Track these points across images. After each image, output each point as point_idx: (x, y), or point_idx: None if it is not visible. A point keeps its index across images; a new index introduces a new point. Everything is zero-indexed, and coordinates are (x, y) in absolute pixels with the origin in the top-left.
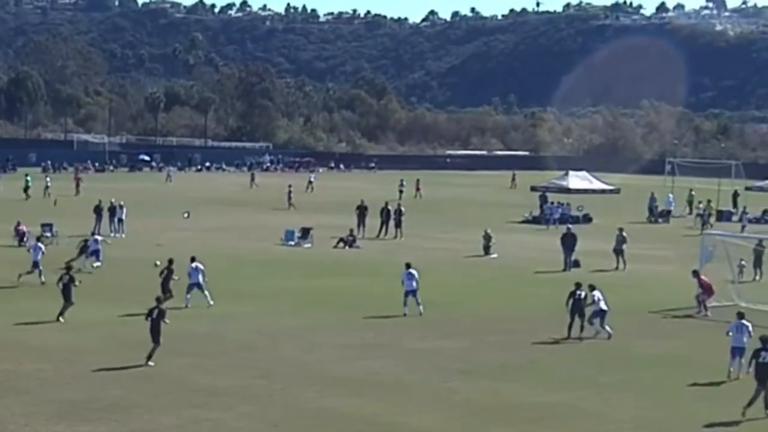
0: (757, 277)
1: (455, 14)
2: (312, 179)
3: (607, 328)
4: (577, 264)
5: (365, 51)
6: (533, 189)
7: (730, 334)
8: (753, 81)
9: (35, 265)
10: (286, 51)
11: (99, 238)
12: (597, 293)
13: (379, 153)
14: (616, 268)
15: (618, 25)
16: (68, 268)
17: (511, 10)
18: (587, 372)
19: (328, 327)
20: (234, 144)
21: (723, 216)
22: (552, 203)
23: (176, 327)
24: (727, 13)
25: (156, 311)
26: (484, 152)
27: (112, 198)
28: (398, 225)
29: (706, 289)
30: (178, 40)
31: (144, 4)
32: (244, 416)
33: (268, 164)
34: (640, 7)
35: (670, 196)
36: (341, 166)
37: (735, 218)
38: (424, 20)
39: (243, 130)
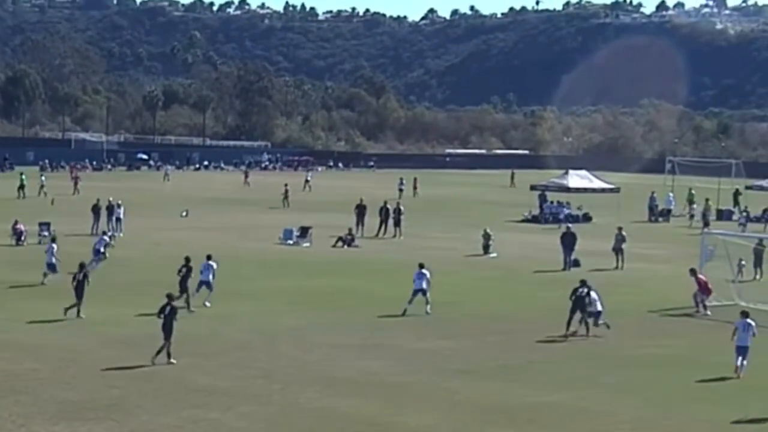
0: (758, 277)
1: (455, 12)
2: (309, 178)
3: (606, 321)
4: (576, 263)
5: (364, 49)
6: (533, 188)
7: (736, 332)
8: (753, 80)
9: (50, 266)
10: (285, 49)
11: (106, 238)
12: (593, 294)
13: (378, 152)
14: (616, 268)
15: (618, 24)
16: (82, 266)
17: (511, 9)
18: (587, 372)
19: (327, 327)
20: (232, 143)
21: (723, 215)
22: (551, 202)
23: (175, 327)
24: (727, 12)
25: (168, 308)
26: (483, 151)
27: (110, 197)
28: (397, 224)
29: (704, 288)
30: (177, 38)
31: (142, 3)
32: (244, 416)
33: (267, 163)
34: (640, 5)
35: (671, 195)
36: (340, 164)
37: (735, 217)
38: (423, 18)
39: (241, 129)
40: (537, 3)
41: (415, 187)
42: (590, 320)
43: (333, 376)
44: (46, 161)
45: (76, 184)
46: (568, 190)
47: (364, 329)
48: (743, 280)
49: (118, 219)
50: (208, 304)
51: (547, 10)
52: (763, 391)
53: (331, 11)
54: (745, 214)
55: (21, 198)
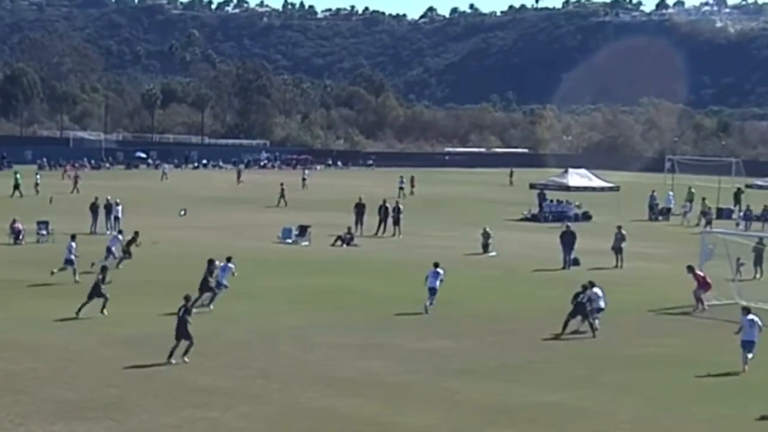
0: (758, 276)
1: (454, 11)
2: (306, 176)
3: (596, 323)
4: (576, 262)
5: (363, 48)
6: (532, 186)
7: (742, 328)
8: (753, 78)
9: (68, 262)
10: (284, 48)
11: (120, 237)
12: (597, 290)
13: (377, 150)
14: (616, 266)
15: (618, 22)
16: (104, 268)
17: (510, 7)
18: (586, 372)
19: (326, 326)
20: (231, 141)
21: (723, 214)
22: (551, 201)
23: (171, 326)
24: (727, 10)
25: (182, 309)
26: (482, 150)
27: (108, 195)
28: (396, 223)
29: (702, 284)
30: (175, 36)
31: (140, 1)
32: (243, 416)
33: (265, 161)
34: (639, 3)
35: (670, 193)
36: (339, 163)
37: (734, 216)
38: (422, 17)
39: (240, 128)
40: (536, 1)
41: (412, 186)
42: (597, 316)
43: (333, 375)
44: (44, 160)
45: (75, 182)
46: (567, 188)
47: (364, 329)
48: (742, 279)
49: (116, 218)
50: (211, 307)
51: (546, 9)
52: (763, 390)
53: (330, 9)
54: (747, 213)
55: (17, 197)
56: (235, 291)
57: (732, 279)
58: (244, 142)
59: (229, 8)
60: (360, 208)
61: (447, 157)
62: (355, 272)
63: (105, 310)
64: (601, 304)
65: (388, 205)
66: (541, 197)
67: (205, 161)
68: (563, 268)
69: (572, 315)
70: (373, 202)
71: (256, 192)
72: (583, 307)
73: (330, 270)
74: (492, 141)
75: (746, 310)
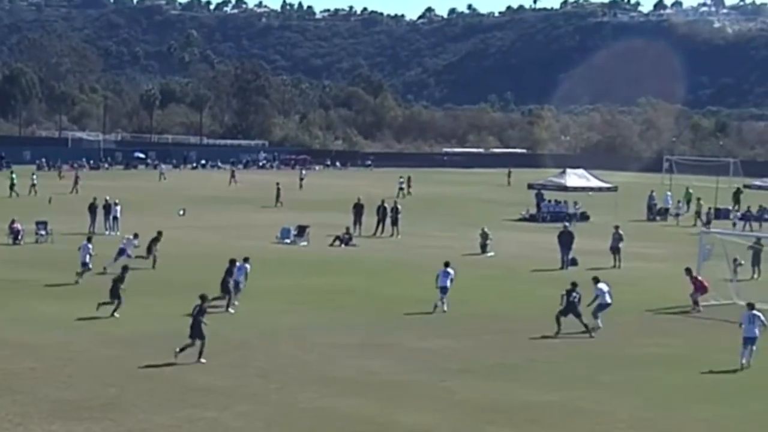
0: (756, 276)
1: (452, 11)
2: (303, 177)
3: (599, 322)
4: (574, 262)
5: (362, 48)
6: (530, 187)
7: (743, 325)
8: (751, 79)
9: (84, 265)
10: (282, 48)
11: (131, 237)
12: (603, 285)
13: (376, 151)
14: (614, 267)
15: (615, 23)
16: (125, 268)
17: (509, 7)
18: (585, 371)
19: (325, 326)
20: (229, 142)
21: (720, 214)
22: (549, 201)
23: (171, 326)
24: (725, 11)
25: (197, 308)
26: (480, 150)
27: (106, 196)
28: (395, 223)
29: (699, 288)
30: (174, 37)
31: (139, 1)
32: (241, 416)
33: (264, 162)
34: (637, 4)
35: (668, 194)
36: (337, 163)
37: (731, 216)
38: (420, 17)
39: (239, 128)
40: (535, 2)
41: (409, 186)
42: (599, 313)
43: (332, 375)
44: (43, 160)
45: (75, 183)
46: (565, 188)
47: (363, 329)
48: (740, 279)
49: (114, 218)
50: (235, 303)
51: (544, 9)
52: (761, 390)
53: (328, 10)
54: (746, 213)
55: (13, 197)
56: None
57: (730, 279)
58: (243, 142)
59: (228, 9)
60: (358, 209)
61: (445, 158)
62: (354, 272)
63: (116, 313)
64: (608, 299)
65: (386, 205)
66: (539, 197)
67: (203, 161)
68: (561, 268)
69: (563, 313)
70: (371, 203)
71: (253, 192)
72: (574, 305)
73: (329, 270)
74: (490, 141)
75: (750, 306)
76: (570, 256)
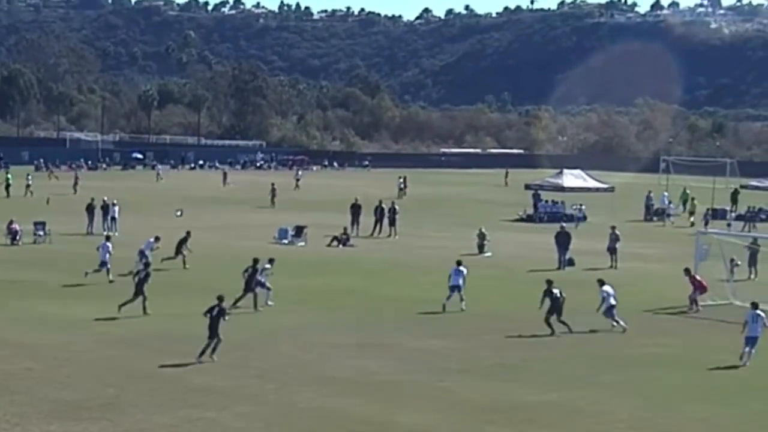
0: (752, 276)
1: (449, 12)
2: (299, 177)
3: (621, 322)
4: (571, 262)
5: (359, 49)
6: (527, 187)
7: (746, 323)
8: (748, 79)
9: (103, 264)
10: (280, 49)
11: (152, 240)
12: (607, 288)
13: (373, 151)
14: (611, 267)
15: (612, 23)
16: (146, 264)
17: (506, 8)
18: (583, 371)
19: (323, 326)
20: (227, 142)
21: (717, 214)
22: (546, 201)
23: (170, 326)
24: (722, 11)
25: (216, 309)
26: (478, 150)
27: (104, 196)
28: (392, 223)
29: (698, 287)
30: (172, 37)
31: (137, 2)
32: (240, 416)
33: (261, 162)
34: (634, 5)
35: (665, 194)
36: (335, 164)
37: (728, 216)
38: (418, 18)
39: (236, 128)
40: (532, 2)
41: (405, 186)
42: (610, 315)
43: (330, 375)
44: (41, 161)
45: (75, 183)
46: (563, 189)
47: (361, 329)
48: (736, 279)
49: (113, 218)
50: (270, 303)
51: (541, 10)
52: (760, 390)
53: (326, 10)
54: (748, 212)
55: (7, 197)
56: (232, 291)
57: (727, 280)
58: (241, 143)
59: (226, 9)
60: (356, 209)
61: (443, 158)
62: (352, 273)
63: (135, 307)
64: (612, 301)
65: (384, 205)
66: (536, 198)
67: (201, 162)
68: (558, 268)
69: (551, 312)
70: (369, 203)
71: (249, 192)
72: (558, 302)
73: (326, 270)
74: (487, 142)
75: (754, 305)
76: (567, 257)
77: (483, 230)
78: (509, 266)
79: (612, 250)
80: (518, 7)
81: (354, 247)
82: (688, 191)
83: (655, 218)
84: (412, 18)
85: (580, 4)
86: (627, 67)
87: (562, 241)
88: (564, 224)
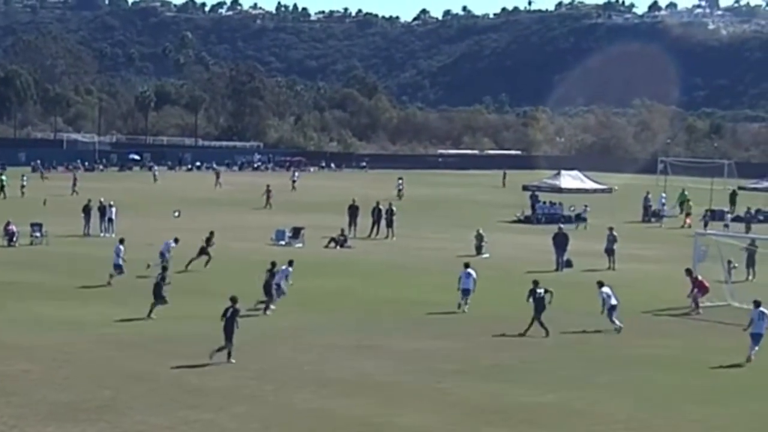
0: (750, 277)
1: (447, 13)
2: (295, 178)
3: (617, 322)
4: (569, 264)
5: (356, 50)
6: (525, 188)
7: (752, 321)
8: (746, 80)
9: (117, 267)
10: (277, 50)
11: (171, 241)
12: (606, 289)
13: (371, 152)
14: (608, 268)
15: (610, 24)
16: (164, 268)
17: (503, 9)
18: (580, 372)
19: (320, 327)
20: (225, 143)
21: (715, 215)
22: (543, 203)
23: (168, 328)
24: (719, 12)
25: (230, 311)
26: (475, 151)
27: (101, 197)
28: (389, 225)
29: (700, 288)
30: (169, 38)
31: (134, 3)
32: (237, 417)
33: (258, 163)
34: (632, 5)
35: (663, 195)
36: (332, 165)
37: (726, 217)
38: (415, 19)
39: (234, 130)
40: (529, 3)
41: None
42: (612, 315)
43: (328, 376)
44: (38, 162)
45: (74, 184)
46: (560, 190)
47: (358, 330)
48: (734, 281)
49: (110, 220)
50: (273, 307)
51: (539, 11)
52: (758, 391)
53: (323, 11)
54: (747, 213)
55: (3, 198)
56: (230, 292)
57: (725, 281)
58: (238, 144)
59: (223, 10)
60: (353, 210)
61: (440, 159)
62: (349, 274)
63: (152, 314)
64: (613, 301)
65: (381, 207)
66: (534, 199)
67: (198, 163)
68: (556, 269)
69: (538, 312)
70: (366, 204)
71: (246, 194)
72: (542, 302)
73: (324, 272)
74: (485, 143)
75: (757, 303)
76: (565, 258)
77: (480, 231)
78: (507, 268)
79: (610, 252)
80: (516, 8)
81: (351, 249)
82: (686, 192)
83: (653, 219)
84: (409, 19)
85: (578, 5)
86: (625, 68)
87: (560, 242)
88: (562, 225)
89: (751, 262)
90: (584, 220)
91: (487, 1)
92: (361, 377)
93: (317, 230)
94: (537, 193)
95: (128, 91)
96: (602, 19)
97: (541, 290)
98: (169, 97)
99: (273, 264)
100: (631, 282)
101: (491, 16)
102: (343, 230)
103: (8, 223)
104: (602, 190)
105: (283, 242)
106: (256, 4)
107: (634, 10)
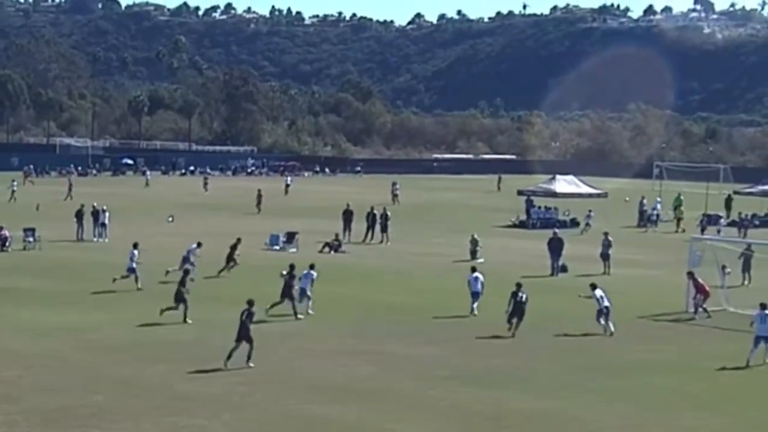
0: (746, 282)
1: (441, 17)
2: (289, 183)
3: (611, 325)
4: (564, 269)
5: (351, 54)
6: (520, 193)
7: (754, 324)
8: (741, 85)
9: (131, 270)
10: (271, 54)
11: (194, 246)
12: (599, 291)
13: (365, 157)
14: (604, 273)
15: (605, 28)
16: (186, 272)
17: (498, 13)
18: (574, 378)
19: (313, 333)
20: (218, 148)
21: (711, 220)
22: (538, 207)
23: (160, 333)
24: (715, 16)
25: (245, 313)
26: (470, 156)
27: (94, 202)
28: (384, 230)
29: (702, 291)
30: (162, 43)
31: (127, 7)
32: (227, 423)
33: (252, 168)
34: (627, 9)
35: (658, 200)
36: (327, 170)
37: (721, 222)
38: (410, 23)
39: (227, 134)
40: (524, 7)
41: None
42: (602, 318)
43: (318, 382)
44: (31, 167)
45: (70, 189)
46: (555, 195)
47: (352, 335)
48: (730, 286)
49: (103, 224)
50: (311, 311)
51: (534, 15)
52: (753, 397)
53: (317, 16)
54: (742, 219)
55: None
56: (224, 297)
57: (720, 286)
58: (232, 148)
59: (217, 14)
60: (348, 215)
61: (435, 164)
62: (343, 279)
63: (188, 319)
64: (606, 303)
65: (376, 211)
66: (529, 204)
67: (192, 168)
68: (551, 274)
69: (512, 315)
70: (361, 209)
71: (240, 198)
72: (521, 305)
73: (318, 277)
74: (480, 147)
75: (763, 306)
76: (560, 263)
77: (475, 236)
78: (502, 272)
79: (605, 256)
80: (511, 12)
81: (346, 254)
82: (682, 197)
83: (649, 224)
84: (404, 23)
85: (573, 9)
86: (620, 73)
87: (555, 247)
88: (557, 230)
89: (746, 267)
90: (588, 225)
91: (481, 5)
92: (353, 383)
93: (311, 235)
94: (532, 197)
95: (121, 95)
96: (597, 23)
97: (523, 294)
98: (162, 101)
99: (292, 267)
100: (626, 287)
101: (486, 20)
102: (337, 235)
103: (1, 228)
104: (597, 195)
105: (277, 247)
106: (249, 8)
107: (630, 14)
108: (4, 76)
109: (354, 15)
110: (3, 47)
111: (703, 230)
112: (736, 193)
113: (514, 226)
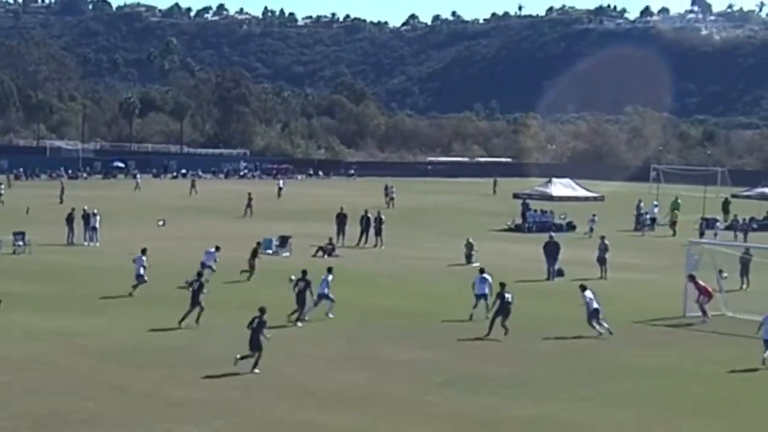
0: (744, 286)
1: (436, 18)
2: (281, 186)
3: (605, 325)
4: (560, 273)
5: (344, 56)
6: (516, 196)
7: (762, 326)
8: (739, 87)
9: (139, 277)
10: (264, 56)
11: (212, 250)
12: (588, 293)
13: (359, 160)
14: (600, 277)
15: (602, 30)
16: (199, 274)
17: (493, 14)
18: (570, 383)
19: (306, 338)
20: (210, 151)
21: (708, 224)
22: (534, 211)
23: (151, 339)
24: (712, 18)
25: (257, 321)
26: (466, 159)
27: (85, 206)
28: (378, 233)
29: (704, 293)
30: (153, 44)
31: (118, 8)
32: (219, 430)
33: (245, 171)
34: (624, 11)
35: (655, 203)
36: (320, 173)
37: (718, 225)
38: (404, 24)
39: (220, 137)
40: (520, 9)
41: (386, 195)
42: (594, 320)
43: (312, 388)
44: (21, 170)
45: (62, 193)
46: (551, 198)
47: (346, 340)
48: (728, 290)
49: (93, 228)
50: (331, 315)
51: (529, 16)
52: (750, 403)
53: (310, 17)
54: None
55: None
56: (217, 302)
57: (718, 290)
58: (224, 151)
59: (209, 15)
60: (341, 219)
61: (430, 167)
62: (337, 283)
63: (199, 320)
64: (595, 305)
65: (369, 215)
66: (525, 207)
67: (184, 171)
68: (547, 278)
69: (497, 314)
70: (354, 213)
71: (232, 202)
72: (508, 306)
73: (312, 281)
74: (475, 150)
75: None
76: (556, 267)
77: (471, 240)
78: (497, 276)
79: (601, 261)
80: (506, 14)
81: (340, 258)
82: (679, 201)
83: (645, 228)
84: (398, 24)
85: (569, 10)
86: (616, 75)
87: (551, 251)
88: (553, 234)
89: (745, 271)
90: (592, 230)
91: (477, 7)
92: (347, 389)
93: (305, 239)
94: (528, 201)
95: (112, 97)
96: (593, 25)
97: (509, 294)
98: (154, 103)
99: (304, 272)
100: (622, 291)
101: (481, 21)
102: (331, 239)
103: None
104: (594, 198)
105: (270, 251)
106: (242, 9)
107: (626, 15)
108: None
109: (347, 16)
110: None
111: (701, 234)
112: (733, 196)
113: (510, 229)
